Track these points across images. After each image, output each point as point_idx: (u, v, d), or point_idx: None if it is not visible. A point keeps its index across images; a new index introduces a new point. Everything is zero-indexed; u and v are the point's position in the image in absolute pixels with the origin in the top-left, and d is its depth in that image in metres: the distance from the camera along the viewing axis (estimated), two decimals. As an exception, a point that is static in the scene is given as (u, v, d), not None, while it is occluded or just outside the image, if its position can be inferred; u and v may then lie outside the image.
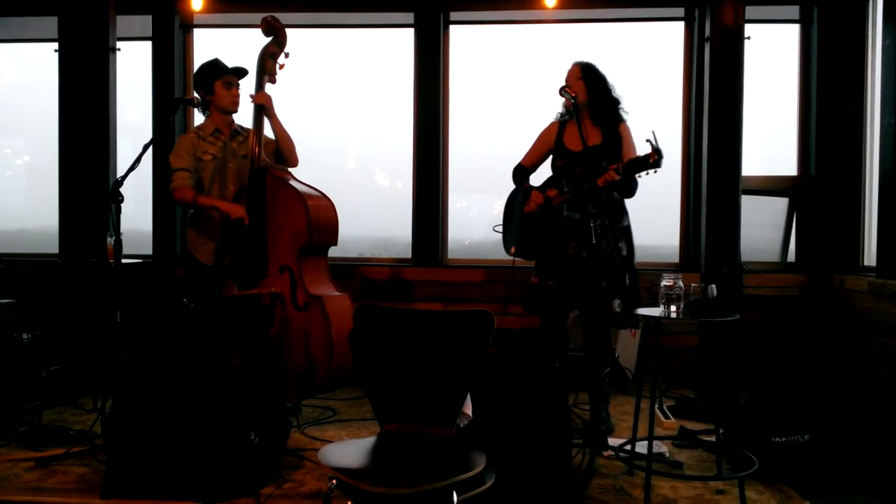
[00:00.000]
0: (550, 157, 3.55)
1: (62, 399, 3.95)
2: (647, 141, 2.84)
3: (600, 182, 3.10)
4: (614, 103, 3.44)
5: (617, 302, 3.31)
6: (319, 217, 3.53)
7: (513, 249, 3.52)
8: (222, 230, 3.55)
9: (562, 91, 3.39)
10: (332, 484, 1.99)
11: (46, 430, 3.38)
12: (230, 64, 3.64)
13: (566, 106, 3.43)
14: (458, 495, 1.89)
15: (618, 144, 3.37)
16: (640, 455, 2.91)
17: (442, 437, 2.20)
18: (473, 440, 2.50)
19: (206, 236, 3.62)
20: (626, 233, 3.46)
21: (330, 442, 2.99)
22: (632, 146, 3.39)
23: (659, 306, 2.78)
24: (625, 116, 3.47)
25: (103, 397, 3.25)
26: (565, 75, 3.49)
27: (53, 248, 5.00)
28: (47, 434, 3.31)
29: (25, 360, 3.62)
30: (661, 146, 2.85)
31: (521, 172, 3.54)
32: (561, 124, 3.47)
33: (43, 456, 3.06)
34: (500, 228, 3.69)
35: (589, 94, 3.40)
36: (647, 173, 2.95)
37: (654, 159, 2.85)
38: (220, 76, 3.59)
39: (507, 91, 5.19)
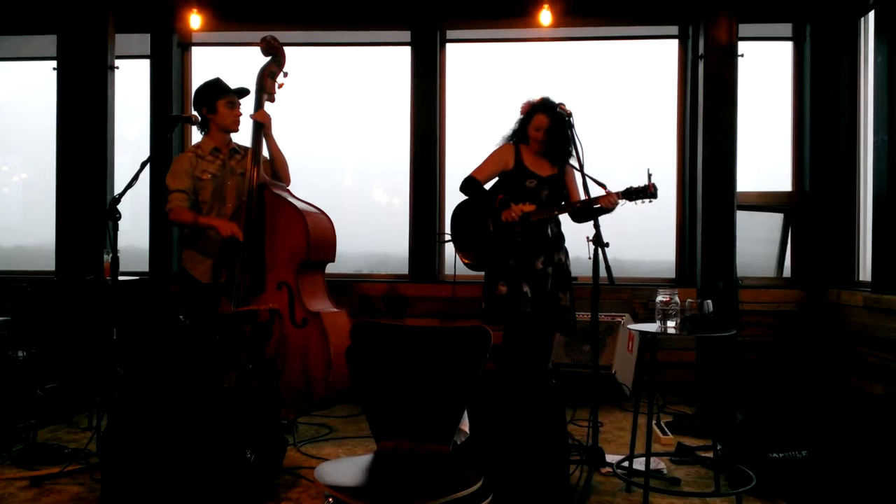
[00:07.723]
0: (500, 175, 3.64)
1: (57, 417, 3.92)
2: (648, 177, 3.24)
3: (603, 202, 3.31)
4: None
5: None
6: (318, 233, 3.53)
7: (466, 258, 3.67)
8: (220, 248, 3.55)
9: (560, 107, 3.44)
10: (329, 502, 1.98)
11: (41, 448, 3.35)
12: (229, 82, 3.66)
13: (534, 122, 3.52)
14: (455, 513, 1.88)
15: (563, 177, 3.63)
16: (637, 472, 2.91)
17: (439, 454, 2.20)
18: (470, 457, 2.50)
19: (202, 254, 3.62)
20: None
21: (326, 460, 2.98)
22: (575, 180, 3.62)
23: (655, 322, 2.79)
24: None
25: (98, 415, 3.23)
26: (547, 103, 3.53)
27: (50, 265, 4.99)
28: (42, 453, 3.28)
29: (20, 378, 3.61)
30: (653, 172, 3.22)
31: (476, 185, 3.60)
32: (516, 147, 3.61)
33: (37, 475, 3.04)
34: (447, 237, 3.79)
35: (553, 130, 3.52)
36: (644, 202, 3.28)
37: (651, 189, 3.21)
38: (224, 95, 3.61)
39: (503, 108, 5.21)
